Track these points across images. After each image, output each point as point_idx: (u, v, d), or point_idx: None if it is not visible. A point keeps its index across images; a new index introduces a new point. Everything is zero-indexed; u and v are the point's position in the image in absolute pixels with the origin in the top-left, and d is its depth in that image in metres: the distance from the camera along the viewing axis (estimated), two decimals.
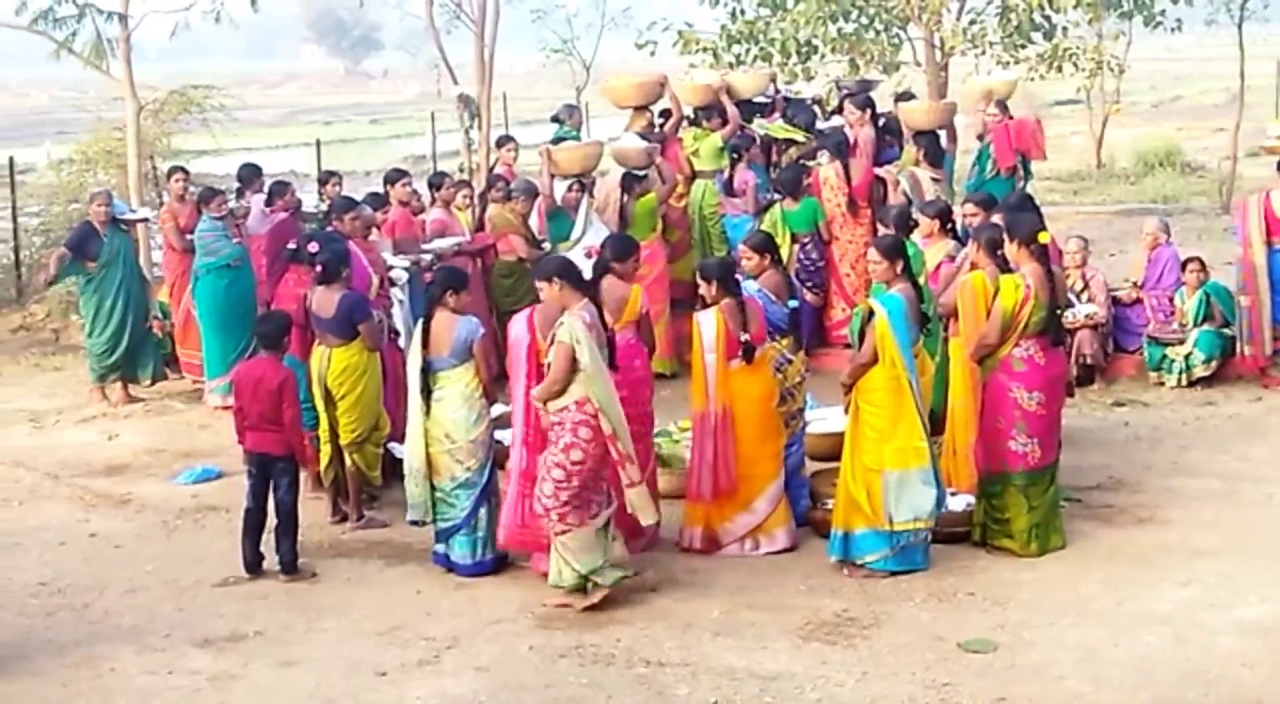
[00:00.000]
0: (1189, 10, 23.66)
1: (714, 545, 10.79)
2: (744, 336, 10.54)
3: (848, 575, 10.20)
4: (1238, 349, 14.62)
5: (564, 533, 9.83)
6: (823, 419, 11.98)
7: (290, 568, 10.63)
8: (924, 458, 10.09)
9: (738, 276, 10.86)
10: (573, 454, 9.74)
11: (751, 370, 10.64)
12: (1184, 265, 15.15)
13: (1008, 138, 15.74)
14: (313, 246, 12.01)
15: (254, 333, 11.31)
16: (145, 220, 17.85)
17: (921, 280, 11.25)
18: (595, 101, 28.83)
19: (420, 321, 10.56)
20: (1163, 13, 22.96)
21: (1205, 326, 14.67)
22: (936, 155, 15.52)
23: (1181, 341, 14.71)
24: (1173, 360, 14.69)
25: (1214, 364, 14.63)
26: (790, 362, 11.01)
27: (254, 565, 10.66)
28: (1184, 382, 14.62)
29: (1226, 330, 14.68)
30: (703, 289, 10.80)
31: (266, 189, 15.72)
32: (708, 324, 10.67)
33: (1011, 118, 16.13)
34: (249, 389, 10.68)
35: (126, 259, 15.95)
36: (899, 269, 10.42)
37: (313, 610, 10.06)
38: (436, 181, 15.98)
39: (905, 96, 18.07)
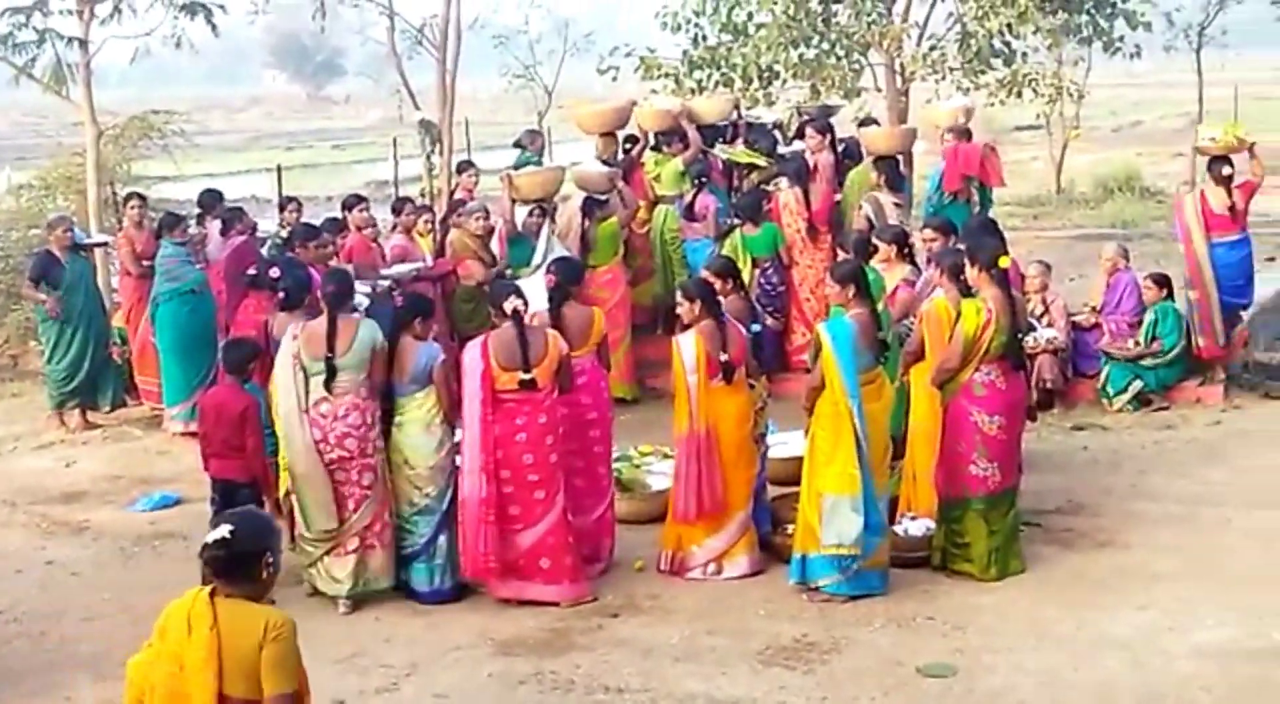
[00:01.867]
0: (1148, 36, 23.81)
1: (683, 568, 10.79)
2: (723, 356, 10.56)
3: (807, 600, 10.20)
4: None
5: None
6: (783, 443, 12.01)
7: None
8: (856, 486, 10.05)
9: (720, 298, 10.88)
10: None
11: (731, 392, 10.66)
12: (1150, 276, 15.41)
13: (955, 162, 15.79)
14: (274, 272, 11.99)
15: (220, 359, 11.25)
16: (104, 245, 17.78)
17: (880, 305, 11.29)
18: (558, 127, 28.86)
19: (385, 346, 10.52)
20: (1121, 39, 23.09)
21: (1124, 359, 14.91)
22: (897, 180, 15.57)
23: (1132, 359, 14.88)
24: (1110, 395, 14.81)
25: (1128, 394, 14.80)
26: (753, 386, 11.02)
27: None
28: (1125, 410, 14.74)
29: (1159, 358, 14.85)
30: (683, 309, 10.81)
31: (222, 216, 15.67)
32: (687, 345, 10.68)
33: (968, 142, 16.17)
34: (212, 416, 10.66)
35: (87, 285, 15.91)
36: (851, 294, 10.45)
37: None
38: (398, 207, 15.98)
39: (867, 122, 18.15)
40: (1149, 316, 15.01)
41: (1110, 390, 14.87)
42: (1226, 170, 15.39)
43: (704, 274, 11.54)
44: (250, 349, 11.16)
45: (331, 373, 10.32)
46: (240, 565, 5.63)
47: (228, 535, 5.59)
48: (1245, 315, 15.78)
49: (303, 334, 10.47)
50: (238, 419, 10.56)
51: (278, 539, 5.88)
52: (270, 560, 5.71)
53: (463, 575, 10.49)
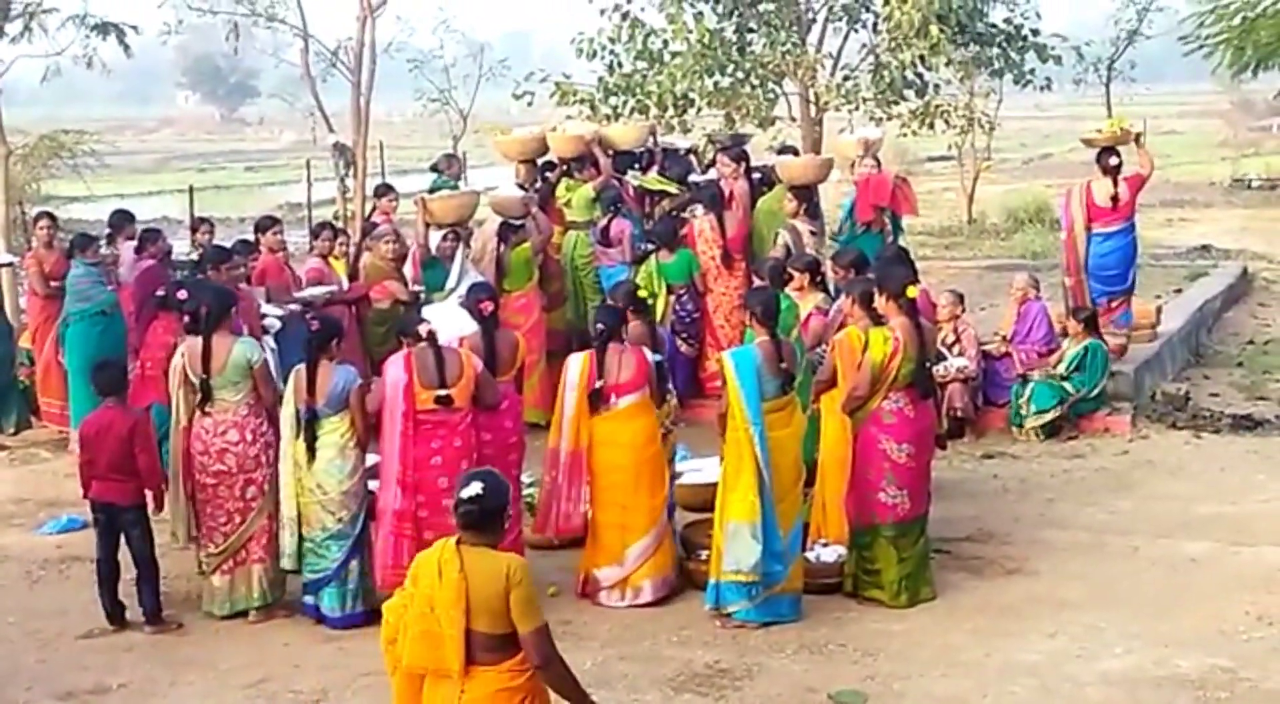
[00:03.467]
0: (1058, 69, 24.10)
1: (594, 591, 10.80)
2: (598, 382, 10.64)
3: (720, 626, 10.22)
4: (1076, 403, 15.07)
5: None
6: (696, 470, 11.99)
7: (154, 618, 10.48)
8: (755, 513, 10.07)
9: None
10: None
11: (625, 417, 10.69)
12: (1074, 312, 15.59)
13: (866, 192, 15.91)
14: (182, 294, 11.90)
15: (92, 383, 11.11)
16: (10, 265, 17.59)
17: (794, 333, 11.35)
18: (473, 151, 28.85)
19: (303, 369, 10.47)
20: (1032, 71, 23.35)
21: (1055, 377, 14.97)
22: (814, 209, 15.65)
23: (1050, 377, 14.99)
24: (1023, 415, 14.92)
25: (1050, 414, 14.89)
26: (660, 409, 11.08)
27: (116, 616, 10.50)
28: (1039, 438, 14.84)
29: (1074, 391, 14.96)
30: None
31: (137, 236, 15.54)
32: (574, 365, 10.83)
33: (879, 173, 16.29)
34: (97, 438, 10.51)
35: None
36: (754, 321, 10.52)
37: (178, 663, 9.91)
38: (316, 231, 15.93)
39: (786, 150, 18.23)
40: (1073, 349, 15.10)
41: (1032, 408, 14.90)
42: (1114, 161, 16.12)
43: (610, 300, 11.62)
44: (120, 368, 11.13)
45: (207, 391, 10.48)
46: (488, 519, 6.38)
47: (480, 492, 6.34)
48: (1144, 293, 17.14)
49: (187, 351, 10.64)
50: (126, 438, 10.42)
51: (510, 495, 6.63)
52: (508, 513, 6.53)
53: (376, 588, 10.43)
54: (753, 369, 10.21)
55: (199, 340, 10.60)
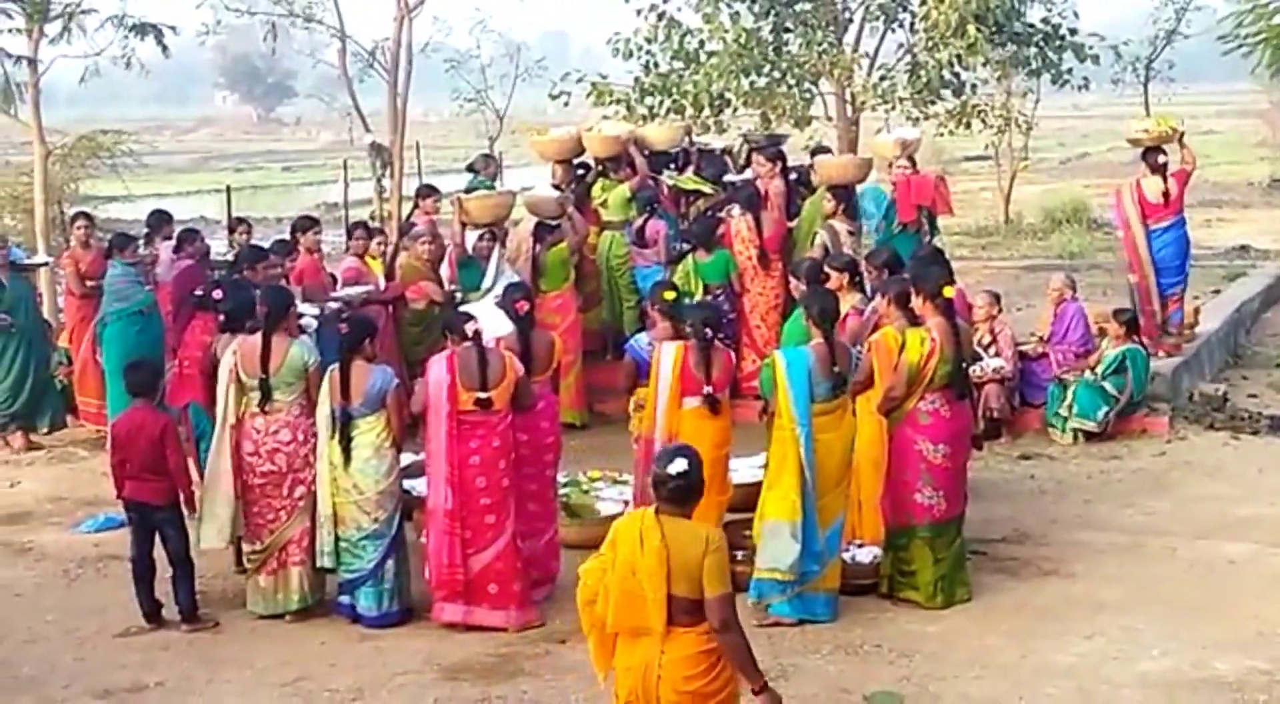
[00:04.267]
0: (1096, 69, 23.97)
1: None
2: (706, 389, 10.63)
3: (756, 625, 10.18)
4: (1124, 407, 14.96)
5: None
6: (733, 470, 11.99)
7: (190, 616, 10.52)
8: (796, 512, 10.08)
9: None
10: None
11: (710, 415, 10.71)
12: (1116, 313, 15.57)
13: (908, 192, 15.91)
14: (217, 294, 11.94)
15: (125, 384, 11.14)
16: (45, 265, 17.67)
17: None
18: (510, 151, 28.87)
19: (337, 369, 10.51)
20: (1070, 71, 23.21)
21: (1094, 379, 14.90)
22: (852, 209, 15.63)
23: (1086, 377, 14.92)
24: (1064, 418, 14.84)
25: (1099, 418, 14.80)
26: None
27: (153, 614, 10.54)
28: (1078, 440, 14.76)
29: (1116, 393, 14.88)
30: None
31: (175, 236, 15.60)
32: (668, 355, 10.77)
33: (916, 172, 16.27)
34: (129, 439, 10.54)
35: (27, 306, 15.81)
36: (810, 322, 10.49)
37: (215, 661, 9.95)
38: (351, 230, 15.98)
39: (821, 150, 18.20)
40: (1111, 352, 15.04)
41: (1074, 410, 14.81)
42: (1161, 159, 16.44)
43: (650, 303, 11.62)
44: (154, 369, 11.15)
45: (266, 390, 10.51)
46: (691, 493, 6.78)
47: (685, 469, 6.73)
48: (1186, 297, 17.14)
49: (240, 350, 10.62)
50: (157, 439, 10.46)
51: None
52: (702, 485, 6.87)
53: (429, 589, 10.45)
54: (804, 370, 10.21)
55: (255, 340, 10.63)
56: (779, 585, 10.14)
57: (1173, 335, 16.61)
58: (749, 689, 6.78)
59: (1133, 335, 15.23)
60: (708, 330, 10.74)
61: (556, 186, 16.51)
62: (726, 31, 21.79)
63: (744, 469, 11.64)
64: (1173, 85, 34.30)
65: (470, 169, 18.81)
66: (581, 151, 17.23)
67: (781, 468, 10.16)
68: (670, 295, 11.26)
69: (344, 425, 10.33)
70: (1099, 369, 14.97)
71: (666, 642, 6.69)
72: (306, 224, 15.25)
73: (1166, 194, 16.29)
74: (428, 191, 17.57)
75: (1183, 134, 16.38)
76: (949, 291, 10.60)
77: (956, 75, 22.28)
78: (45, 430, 15.87)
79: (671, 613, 6.65)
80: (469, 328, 10.40)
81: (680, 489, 6.74)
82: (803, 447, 10.07)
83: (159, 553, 10.61)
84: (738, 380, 15.50)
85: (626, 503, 11.40)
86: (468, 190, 17.10)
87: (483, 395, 10.25)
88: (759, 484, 10.54)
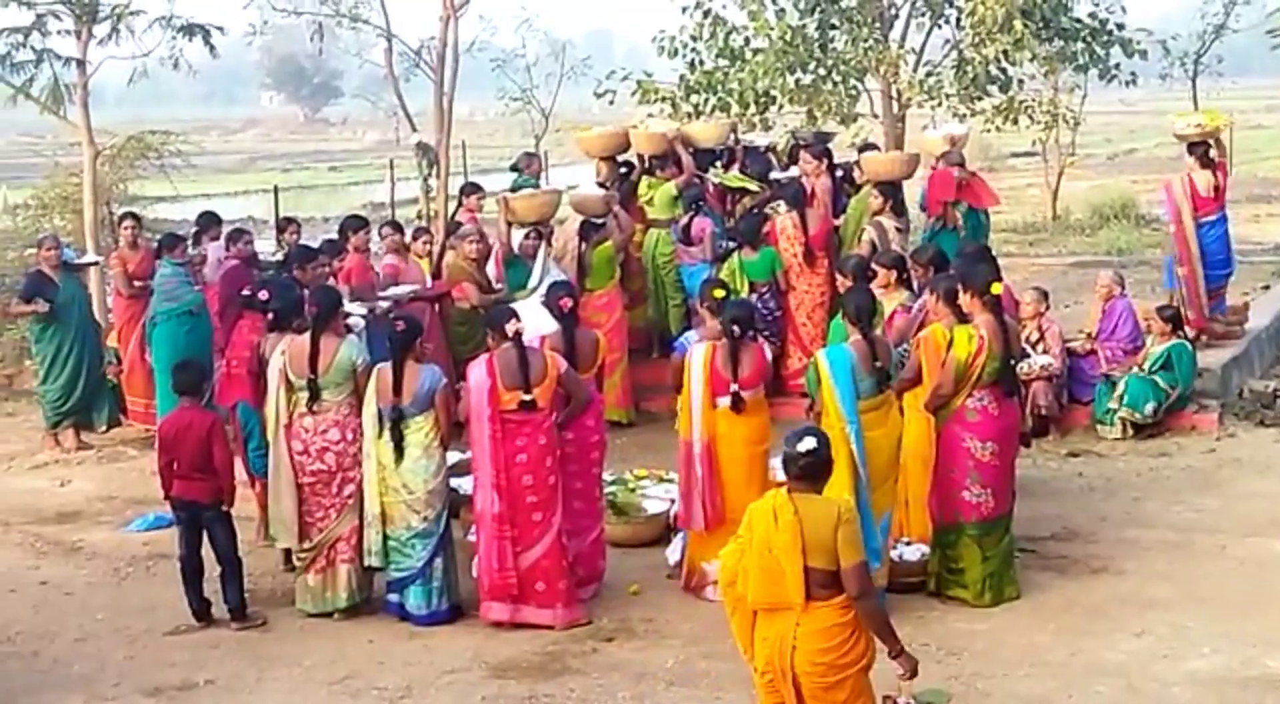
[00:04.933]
0: (1143, 64, 23.85)
1: (700, 586, 10.79)
2: (733, 387, 10.61)
3: None
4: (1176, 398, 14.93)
5: None
6: (777, 469, 11.96)
7: (240, 615, 10.57)
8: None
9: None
10: None
11: (746, 412, 10.71)
12: (1159, 309, 15.51)
13: (933, 188, 15.93)
14: (264, 294, 11.99)
15: (172, 384, 11.21)
16: (95, 264, 17.79)
17: (879, 331, 11.31)
18: (555, 150, 28.90)
19: (389, 368, 10.52)
20: (1117, 66, 23.11)
21: (1143, 374, 14.82)
22: (900, 205, 15.60)
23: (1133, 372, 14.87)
24: (1113, 410, 14.76)
25: (1147, 412, 14.72)
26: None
27: (202, 612, 10.60)
28: (1127, 433, 14.69)
29: (1168, 388, 14.81)
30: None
31: (224, 236, 15.68)
32: (698, 357, 10.77)
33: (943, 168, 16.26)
34: (178, 438, 10.60)
35: (80, 305, 15.92)
36: (847, 320, 10.50)
37: (264, 659, 10.00)
38: (383, 229, 16.05)
39: (868, 147, 18.16)
40: (1157, 349, 14.97)
41: (1125, 401, 14.73)
42: (1212, 153, 16.66)
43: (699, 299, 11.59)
44: (201, 369, 11.21)
45: (315, 391, 10.53)
46: (821, 470, 7.20)
47: (815, 446, 7.13)
48: (1232, 289, 17.50)
49: (289, 351, 10.65)
50: (204, 438, 10.52)
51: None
52: (831, 462, 7.32)
53: (480, 592, 10.49)
54: (847, 368, 10.21)
55: (303, 340, 10.68)
56: None
57: (1220, 322, 16.78)
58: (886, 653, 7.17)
59: (1177, 331, 15.17)
60: (735, 327, 10.73)
61: (601, 184, 16.52)
62: (772, 28, 21.75)
63: None
64: (1221, 80, 34.09)
65: (514, 168, 18.84)
66: (626, 148, 17.23)
67: (834, 466, 10.13)
68: (720, 293, 11.25)
69: (394, 425, 10.35)
70: (1146, 365, 14.89)
71: (804, 615, 7.01)
72: (357, 224, 15.31)
73: (1216, 188, 16.40)
74: (472, 189, 17.63)
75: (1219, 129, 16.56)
76: (997, 288, 10.56)
77: (1003, 71, 22.20)
78: (102, 429, 15.97)
79: (809, 586, 6.97)
80: (510, 328, 10.39)
81: (810, 466, 7.12)
82: (853, 443, 10.06)
83: (207, 552, 10.67)
84: (784, 378, 15.60)
85: (673, 501, 11.39)
86: (513, 189, 17.14)
87: (526, 397, 10.25)
88: None
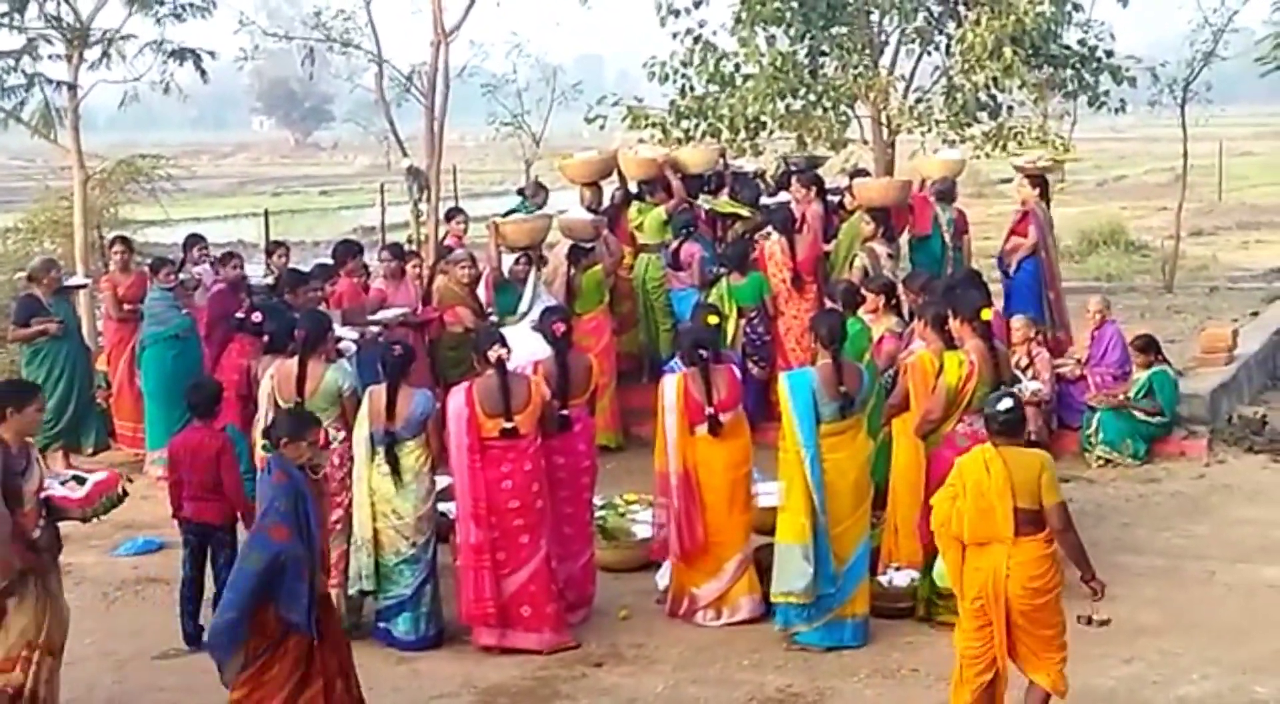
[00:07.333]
0: (1133, 91, 23.90)
1: (689, 612, 10.78)
2: (709, 410, 10.59)
3: (786, 649, 10.19)
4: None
5: None
6: (769, 493, 11.95)
7: None
8: (806, 535, 10.10)
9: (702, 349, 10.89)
10: None
11: (723, 436, 10.72)
12: (1132, 341, 15.46)
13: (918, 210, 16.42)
14: (257, 317, 11.98)
15: (187, 403, 11.21)
16: (84, 287, 17.78)
17: (866, 356, 11.32)
18: (545, 175, 28.87)
19: (383, 391, 10.51)
20: (1107, 93, 23.15)
21: (1120, 406, 14.88)
22: (891, 231, 15.66)
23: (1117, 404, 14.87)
24: (1094, 443, 14.81)
25: (1129, 454, 14.78)
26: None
27: (194, 637, 10.57)
28: (1106, 464, 14.72)
29: (1153, 418, 14.84)
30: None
31: (214, 258, 15.67)
32: (670, 387, 10.80)
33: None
34: (187, 459, 10.61)
35: (70, 328, 15.89)
36: (817, 343, 10.51)
37: None
38: (396, 253, 16.04)
39: (859, 173, 18.22)
40: (1141, 377, 15.00)
41: (1100, 438, 14.77)
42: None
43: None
44: (214, 391, 11.18)
45: None
46: (1020, 424, 8.53)
47: (1011, 405, 8.45)
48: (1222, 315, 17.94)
49: (276, 374, 10.66)
50: (214, 460, 10.52)
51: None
52: (1025, 421, 8.80)
53: (460, 621, 10.46)
54: (808, 391, 10.21)
55: (291, 364, 10.67)
56: (800, 610, 10.15)
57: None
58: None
59: (1156, 358, 15.18)
60: (701, 352, 10.75)
61: (589, 209, 16.55)
62: (762, 55, 21.78)
63: (780, 492, 11.58)
64: (1210, 107, 34.16)
65: (520, 193, 18.84)
66: (609, 174, 17.26)
67: (790, 490, 10.21)
68: (714, 319, 11.27)
69: (389, 449, 10.34)
70: (1131, 393, 14.92)
71: (1014, 547, 8.20)
72: (353, 249, 15.32)
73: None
74: (453, 213, 17.65)
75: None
76: (987, 314, 10.59)
77: (993, 97, 22.22)
78: (90, 451, 15.93)
79: (1017, 523, 8.17)
80: (493, 354, 10.38)
81: (1009, 422, 8.39)
82: (808, 468, 10.08)
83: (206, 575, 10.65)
84: (772, 403, 15.56)
85: (661, 527, 11.38)
86: (507, 214, 17.17)
87: (508, 425, 10.24)
88: None
